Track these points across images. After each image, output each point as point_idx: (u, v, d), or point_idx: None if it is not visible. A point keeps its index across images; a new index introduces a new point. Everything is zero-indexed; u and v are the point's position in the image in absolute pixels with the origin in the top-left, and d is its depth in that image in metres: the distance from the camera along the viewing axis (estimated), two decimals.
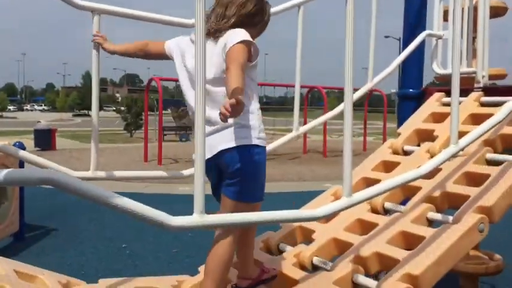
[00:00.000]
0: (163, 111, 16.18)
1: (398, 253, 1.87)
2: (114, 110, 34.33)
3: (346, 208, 1.46)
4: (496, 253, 3.75)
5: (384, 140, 17.23)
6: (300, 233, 2.22)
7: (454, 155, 2.27)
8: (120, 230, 6.07)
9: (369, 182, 2.41)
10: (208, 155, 1.82)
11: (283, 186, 10.22)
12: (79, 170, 2.00)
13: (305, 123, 17.06)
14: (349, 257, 1.92)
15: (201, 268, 2.15)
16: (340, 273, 1.83)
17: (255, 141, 1.89)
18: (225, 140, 1.86)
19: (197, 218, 1.18)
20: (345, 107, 1.63)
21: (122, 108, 26.21)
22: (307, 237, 2.20)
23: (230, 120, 1.67)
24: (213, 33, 1.91)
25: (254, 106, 1.94)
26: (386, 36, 39.49)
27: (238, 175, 1.82)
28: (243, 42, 1.81)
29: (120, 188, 8.61)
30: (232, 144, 1.84)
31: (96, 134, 2.00)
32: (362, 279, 1.81)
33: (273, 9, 2.39)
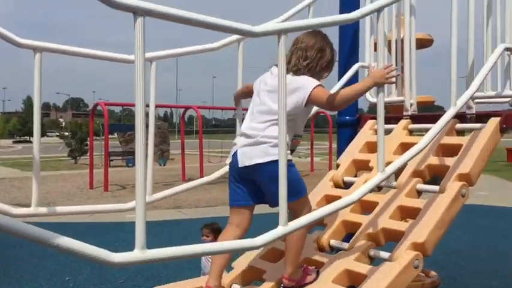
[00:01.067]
0: (110, 136, 15.88)
1: None
2: (57, 136, 33.24)
3: (283, 236, 1.55)
4: (432, 270, 3.96)
5: (330, 160, 17.72)
6: None
7: (389, 186, 2.44)
8: (63, 261, 5.88)
9: (349, 225, 2.51)
10: (246, 163, 2.16)
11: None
12: (20, 200, 1.98)
13: None
14: None
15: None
16: None
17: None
18: (261, 155, 2.15)
19: (138, 253, 1.22)
20: (280, 134, 1.72)
21: (66, 133, 25.46)
22: None
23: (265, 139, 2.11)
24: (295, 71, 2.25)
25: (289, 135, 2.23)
26: None
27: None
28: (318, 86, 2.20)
29: (65, 217, 8.40)
30: (270, 158, 2.09)
31: (37, 169, 1.99)
32: None
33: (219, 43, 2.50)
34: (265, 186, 2.19)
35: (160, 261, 1.29)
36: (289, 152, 2.23)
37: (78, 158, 22.57)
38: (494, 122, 2.38)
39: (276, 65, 1.97)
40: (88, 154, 16.75)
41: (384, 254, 2.15)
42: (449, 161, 2.39)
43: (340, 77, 3.10)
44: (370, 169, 2.63)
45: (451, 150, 2.48)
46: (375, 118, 3.11)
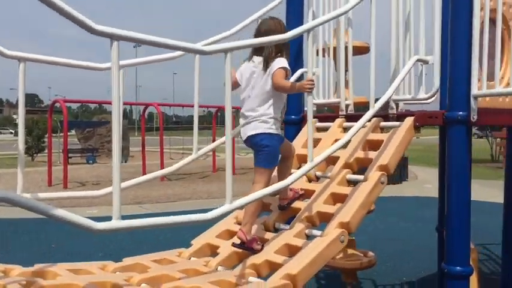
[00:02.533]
0: (67, 133, 15.84)
1: (282, 259, 2.41)
2: (11, 133, 32.35)
3: (229, 212, 1.94)
4: (370, 251, 4.45)
5: None
6: None
7: (325, 177, 2.87)
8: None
9: (292, 210, 2.94)
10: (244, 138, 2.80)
11: (192, 204, 10.57)
12: None
13: (213, 140, 17.59)
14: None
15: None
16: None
17: (269, 131, 2.71)
18: (251, 129, 2.73)
19: (115, 223, 1.58)
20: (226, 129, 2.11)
21: None
22: None
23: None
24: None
25: (273, 112, 2.75)
26: None
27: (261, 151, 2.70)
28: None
29: (26, 213, 8.54)
30: (258, 131, 2.70)
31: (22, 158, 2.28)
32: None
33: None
34: (255, 152, 2.79)
35: (130, 230, 1.65)
36: (277, 126, 2.80)
37: (35, 155, 22.23)
38: (409, 120, 2.85)
39: (255, 54, 2.77)
40: (45, 151, 16.63)
41: (317, 232, 2.58)
42: (372, 155, 2.85)
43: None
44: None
45: (375, 145, 2.94)
46: (317, 117, 3.57)
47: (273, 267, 2.28)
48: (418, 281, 5.44)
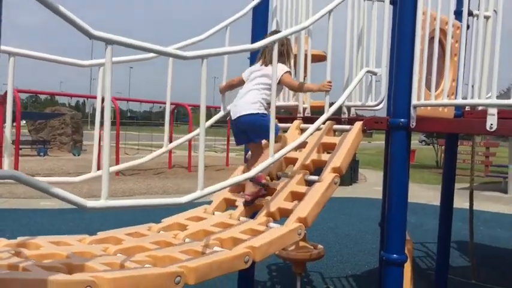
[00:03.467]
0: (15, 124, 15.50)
1: (246, 237, 2.67)
2: None
3: (200, 197, 2.21)
4: (326, 248, 4.80)
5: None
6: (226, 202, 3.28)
7: (286, 176, 3.18)
8: None
9: (256, 206, 3.19)
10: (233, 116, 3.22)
11: (147, 198, 10.66)
12: None
13: (171, 139, 17.62)
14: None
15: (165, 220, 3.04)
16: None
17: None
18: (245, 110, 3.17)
19: (103, 202, 1.82)
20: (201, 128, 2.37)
21: None
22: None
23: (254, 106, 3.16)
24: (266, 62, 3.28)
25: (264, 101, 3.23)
26: None
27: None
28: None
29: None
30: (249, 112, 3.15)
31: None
32: None
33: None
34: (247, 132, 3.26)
35: (115, 209, 1.89)
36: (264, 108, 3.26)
37: None
38: (358, 124, 3.21)
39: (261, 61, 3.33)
40: None
41: (276, 225, 2.87)
42: (326, 157, 3.18)
43: None
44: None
45: (329, 147, 3.28)
46: (277, 118, 3.88)
47: (237, 242, 2.54)
48: (362, 273, 5.88)
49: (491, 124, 2.53)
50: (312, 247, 4.67)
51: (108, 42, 1.81)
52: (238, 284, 4.10)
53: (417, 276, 5.84)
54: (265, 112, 3.21)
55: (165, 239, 2.62)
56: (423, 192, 12.91)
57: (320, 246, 4.74)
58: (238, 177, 2.57)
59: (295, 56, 3.94)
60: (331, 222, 8.72)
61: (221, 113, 3.61)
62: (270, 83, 2.90)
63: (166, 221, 2.96)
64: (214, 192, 2.36)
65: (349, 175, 14.70)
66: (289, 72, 3.33)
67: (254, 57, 3.73)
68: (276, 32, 3.33)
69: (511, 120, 2.54)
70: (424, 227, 8.13)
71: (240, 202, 3.19)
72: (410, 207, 10.36)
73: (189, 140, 17.08)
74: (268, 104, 3.03)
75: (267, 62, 3.28)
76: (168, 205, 2.07)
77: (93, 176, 2.73)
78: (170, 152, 17.61)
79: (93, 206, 1.77)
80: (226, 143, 21.10)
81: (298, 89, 3.33)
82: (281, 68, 3.22)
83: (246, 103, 3.21)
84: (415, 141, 41.06)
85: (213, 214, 3.14)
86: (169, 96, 3.05)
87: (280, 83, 3.23)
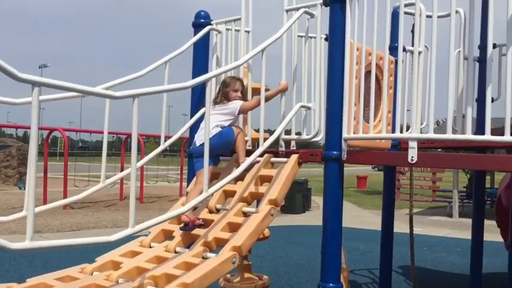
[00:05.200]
0: None
1: (180, 272, 2.70)
2: None
3: (132, 234, 2.22)
4: (275, 277, 4.82)
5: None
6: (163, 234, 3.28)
7: (224, 209, 3.25)
8: None
9: (192, 237, 3.22)
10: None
11: (95, 233, 10.39)
12: None
13: (122, 169, 17.31)
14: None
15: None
16: None
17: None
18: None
19: (28, 243, 1.82)
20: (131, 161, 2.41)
21: None
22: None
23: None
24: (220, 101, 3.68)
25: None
26: None
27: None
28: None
29: None
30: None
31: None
32: None
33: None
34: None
35: (41, 250, 1.88)
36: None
37: None
38: (294, 157, 3.34)
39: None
40: None
41: (212, 255, 2.92)
42: (263, 189, 3.28)
43: (191, 117, 3.91)
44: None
45: (266, 180, 3.37)
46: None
47: (171, 279, 2.56)
48: None
49: (412, 157, 2.70)
50: (257, 278, 4.69)
51: (34, 84, 1.84)
52: None
53: None
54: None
55: (97, 282, 2.61)
56: (374, 218, 13.22)
57: (265, 276, 4.77)
58: (171, 213, 2.61)
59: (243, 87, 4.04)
60: (281, 251, 8.77)
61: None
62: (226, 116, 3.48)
63: (100, 260, 2.94)
64: (147, 228, 2.38)
65: (301, 203, 14.89)
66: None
67: (195, 91, 3.83)
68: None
69: (429, 152, 2.71)
70: (373, 253, 8.32)
71: (177, 232, 3.21)
72: (360, 233, 10.66)
73: (141, 171, 16.77)
74: None
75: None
76: (98, 244, 2.08)
77: (23, 216, 2.68)
78: (121, 183, 17.28)
79: (18, 247, 1.77)
80: (179, 172, 20.92)
81: (259, 102, 3.51)
82: (236, 103, 3.58)
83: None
84: (368, 167, 42.17)
85: (150, 247, 3.15)
86: (106, 130, 3.07)
87: (242, 113, 3.66)
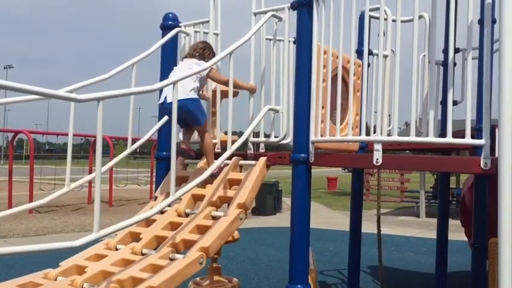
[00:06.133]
0: None
1: (146, 275, 2.67)
2: None
3: (97, 239, 2.18)
4: (246, 280, 4.81)
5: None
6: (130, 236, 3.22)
7: (193, 213, 3.23)
8: None
9: (159, 239, 3.18)
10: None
11: (62, 237, 10.17)
12: None
13: (90, 171, 16.98)
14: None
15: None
16: None
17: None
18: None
19: None
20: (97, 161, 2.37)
21: None
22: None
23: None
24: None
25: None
26: None
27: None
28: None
29: None
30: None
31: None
32: None
33: None
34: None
35: (5, 256, 1.83)
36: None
37: None
38: (262, 160, 3.35)
39: (186, 56, 3.78)
40: None
41: (180, 256, 2.90)
42: (232, 193, 3.28)
43: (159, 119, 3.88)
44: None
45: (235, 183, 3.37)
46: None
47: (137, 282, 2.53)
48: None
49: (377, 159, 2.75)
50: (226, 280, 4.68)
51: None
52: None
53: None
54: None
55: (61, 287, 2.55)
56: (343, 219, 13.37)
57: (235, 279, 4.77)
58: (137, 216, 2.57)
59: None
60: (251, 253, 8.78)
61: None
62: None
63: (64, 264, 2.87)
64: (113, 232, 2.34)
65: (272, 204, 14.93)
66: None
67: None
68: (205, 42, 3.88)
69: (393, 155, 2.77)
70: (343, 253, 8.40)
71: (144, 234, 3.17)
72: (330, 234, 10.77)
73: (110, 173, 16.52)
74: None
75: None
76: (61, 249, 2.03)
77: None
78: (90, 186, 16.96)
79: None
80: (150, 175, 20.68)
81: (227, 82, 3.52)
82: (209, 63, 3.48)
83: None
84: (339, 169, 42.61)
85: (116, 249, 3.10)
86: (71, 133, 3.02)
87: (209, 76, 3.67)
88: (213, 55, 3.78)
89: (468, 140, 2.52)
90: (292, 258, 3.13)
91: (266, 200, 14.67)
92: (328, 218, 14.14)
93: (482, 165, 2.50)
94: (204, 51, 3.78)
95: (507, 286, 2.31)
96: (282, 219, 13.66)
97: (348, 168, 36.86)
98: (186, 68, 3.59)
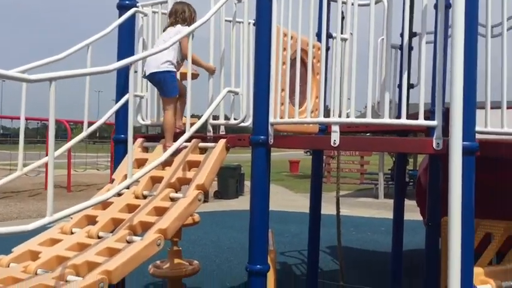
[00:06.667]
0: None
1: (102, 259, 2.62)
2: None
3: (49, 223, 2.13)
4: (207, 262, 4.83)
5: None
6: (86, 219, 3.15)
7: (151, 195, 3.20)
8: None
9: (116, 221, 3.11)
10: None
11: (19, 223, 9.88)
12: None
13: (47, 155, 16.49)
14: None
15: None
16: None
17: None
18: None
19: None
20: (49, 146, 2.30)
21: None
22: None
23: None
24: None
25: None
26: None
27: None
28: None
29: None
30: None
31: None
32: None
33: None
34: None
35: None
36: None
37: None
38: (222, 142, 3.34)
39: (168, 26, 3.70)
40: None
41: (137, 238, 2.86)
42: (191, 174, 3.26)
43: (116, 102, 3.79)
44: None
45: (194, 165, 3.35)
46: (144, 137, 3.88)
47: (93, 266, 2.48)
48: (239, 285, 6.02)
49: (335, 140, 2.79)
50: (187, 263, 4.69)
51: None
52: None
53: (292, 282, 6.16)
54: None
55: (14, 274, 2.48)
56: (305, 202, 13.49)
57: (196, 262, 4.79)
58: (93, 200, 2.53)
59: None
60: (213, 236, 8.82)
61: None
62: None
63: (17, 250, 2.80)
64: (67, 216, 2.30)
65: (234, 188, 14.99)
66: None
67: (120, 76, 3.73)
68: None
69: (350, 136, 2.82)
70: (303, 234, 8.54)
71: (101, 217, 3.11)
72: (291, 216, 10.93)
73: (69, 158, 16.11)
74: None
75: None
76: (14, 234, 1.98)
77: None
78: (46, 171, 16.49)
79: None
80: (110, 159, 20.30)
81: (187, 55, 3.46)
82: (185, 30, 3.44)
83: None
84: (301, 152, 43.11)
85: (71, 233, 3.04)
86: (23, 115, 2.92)
87: (182, 48, 3.59)
88: (195, 14, 3.76)
89: (421, 121, 2.59)
90: (252, 239, 3.16)
91: (228, 183, 14.70)
92: (290, 200, 14.33)
93: (434, 145, 2.58)
94: (185, 15, 3.71)
95: (456, 262, 2.42)
96: (244, 202, 13.68)
97: (310, 151, 37.43)
98: (162, 41, 3.55)
